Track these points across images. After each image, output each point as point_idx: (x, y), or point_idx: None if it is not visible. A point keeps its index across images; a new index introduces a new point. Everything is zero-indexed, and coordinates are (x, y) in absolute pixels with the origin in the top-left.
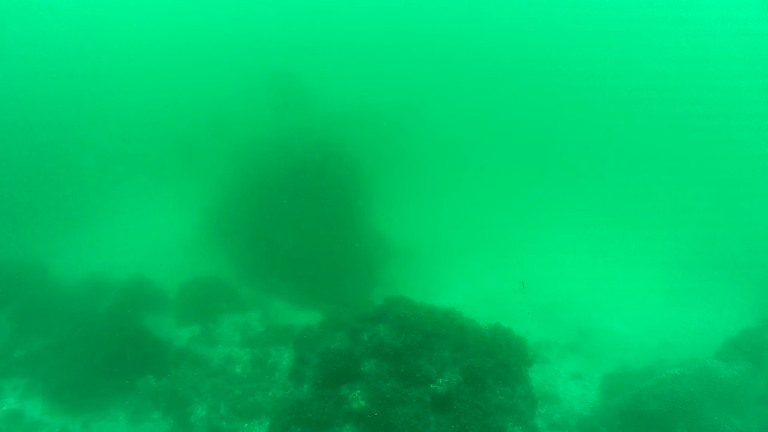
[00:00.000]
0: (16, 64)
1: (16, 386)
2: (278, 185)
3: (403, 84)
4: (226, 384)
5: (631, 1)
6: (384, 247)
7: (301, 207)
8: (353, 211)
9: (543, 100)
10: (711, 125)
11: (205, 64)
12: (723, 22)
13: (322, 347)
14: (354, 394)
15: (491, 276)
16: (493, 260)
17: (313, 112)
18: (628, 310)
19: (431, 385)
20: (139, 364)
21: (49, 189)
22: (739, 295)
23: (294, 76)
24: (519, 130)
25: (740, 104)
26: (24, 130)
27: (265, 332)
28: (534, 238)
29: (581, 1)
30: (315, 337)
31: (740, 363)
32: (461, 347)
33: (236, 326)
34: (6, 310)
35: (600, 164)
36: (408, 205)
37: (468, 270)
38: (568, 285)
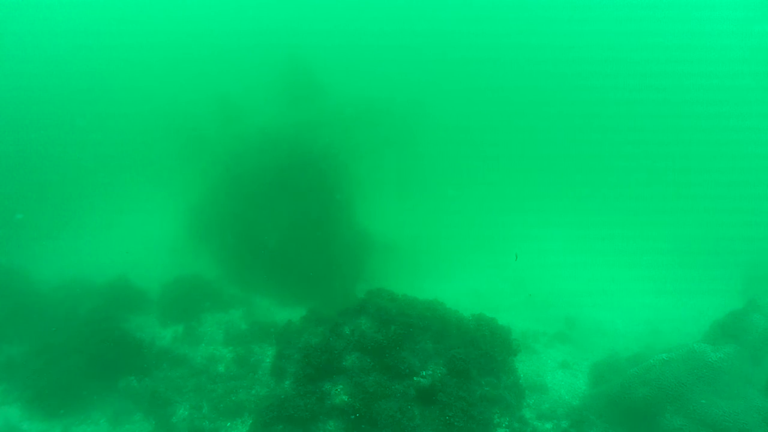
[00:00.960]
0: None
1: None
2: (262, 184)
3: (389, 80)
4: (208, 383)
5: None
6: (369, 242)
7: (286, 205)
8: (338, 208)
9: (535, 95)
10: (696, 113)
11: (187, 68)
12: (727, 20)
13: (302, 342)
14: (336, 389)
15: (479, 269)
16: (481, 254)
17: (296, 111)
18: (616, 299)
19: (415, 378)
20: (121, 366)
21: (30, 192)
22: (726, 281)
23: (281, 77)
24: (506, 125)
25: (730, 96)
26: (3, 133)
27: (249, 330)
28: (521, 231)
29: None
30: (296, 332)
31: (727, 345)
32: (444, 338)
33: (219, 325)
34: None
35: (586, 156)
36: (394, 201)
37: (455, 264)
38: (555, 275)
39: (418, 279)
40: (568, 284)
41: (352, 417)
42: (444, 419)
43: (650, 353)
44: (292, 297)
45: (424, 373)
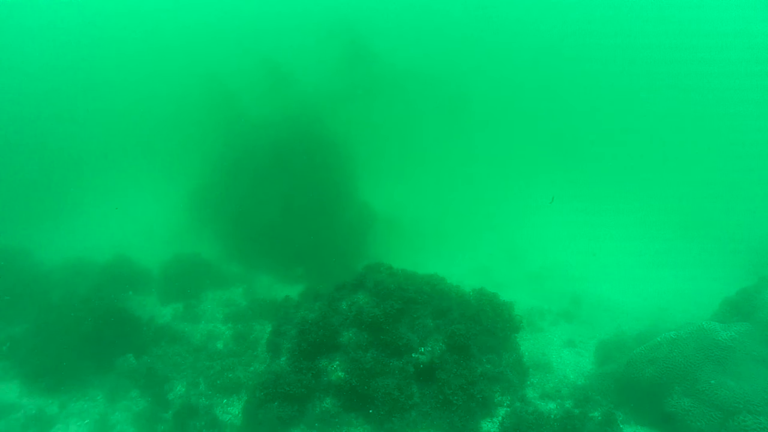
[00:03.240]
0: None
1: None
2: (263, 162)
3: (388, 59)
4: (207, 360)
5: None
6: (371, 217)
7: (287, 182)
8: (339, 185)
9: (535, 75)
10: (703, 98)
11: (189, 50)
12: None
13: (299, 318)
14: (333, 366)
15: (485, 245)
16: (487, 229)
17: (296, 91)
18: (623, 277)
19: (413, 355)
20: (119, 344)
21: (31, 174)
22: (734, 257)
23: (276, 58)
24: (510, 103)
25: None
26: (2, 119)
27: (249, 307)
28: (527, 209)
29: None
30: (293, 308)
31: (738, 324)
32: (444, 314)
33: (219, 302)
34: None
35: (592, 135)
36: (395, 177)
37: (460, 239)
38: (562, 253)
39: (422, 254)
40: (574, 262)
41: (348, 388)
42: (442, 397)
43: (657, 331)
44: (293, 273)
45: (422, 350)
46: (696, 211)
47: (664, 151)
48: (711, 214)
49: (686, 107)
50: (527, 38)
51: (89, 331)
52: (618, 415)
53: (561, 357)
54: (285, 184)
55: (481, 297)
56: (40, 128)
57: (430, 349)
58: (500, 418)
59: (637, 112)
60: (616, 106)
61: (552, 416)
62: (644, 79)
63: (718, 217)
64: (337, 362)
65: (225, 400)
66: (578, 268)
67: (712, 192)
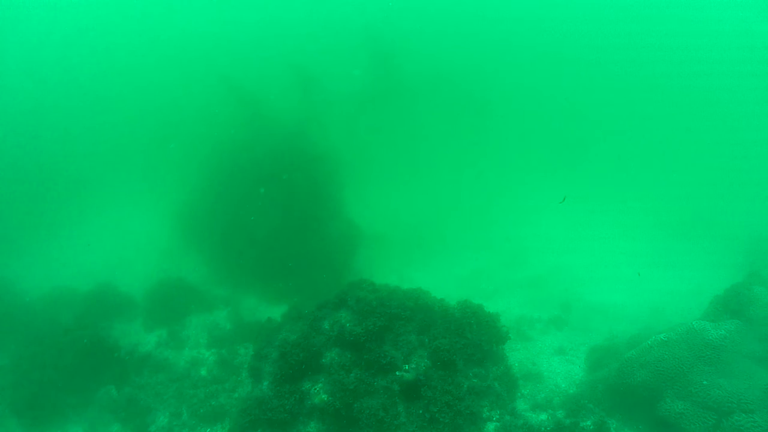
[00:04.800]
0: None
1: None
2: (246, 183)
3: (369, 71)
4: (190, 388)
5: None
6: (355, 235)
7: (271, 202)
8: (323, 203)
9: (517, 75)
10: (690, 86)
11: (171, 68)
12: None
13: (279, 340)
14: (316, 388)
15: (474, 256)
16: (475, 240)
17: (277, 109)
18: (613, 279)
19: (398, 373)
20: (101, 375)
21: (8, 203)
22: (726, 254)
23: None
24: (492, 106)
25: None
26: None
27: (233, 330)
28: (512, 215)
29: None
30: (274, 329)
31: (728, 322)
32: (428, 329)
33: (204, 326)
34: None
35: (577, 133)
36: (381, 192)
37: (449, 251)
38: (549, 259)
39: (410, 268)
40: (563, 267)
41: (332, 411)
42: (429, 415)
43: (649, 334)
44: (279, 294)
45: (407, 367)
46: (690, 211)
47: (656, 150)
48: (705, 213)
49: (680, 107)
50: (525, 39)
51: (70, 364)
52: (611, 422)
53: (552, 366)
54: (270, 203)
55: (465, 309)
56: (16, 154)
57: (414, 366)
58: None
59: (630, 112)
60: (612, 106)
61: (543, 428)
62: (640, 79)
63: (712, 216)
64: (321, 384)
65: (208, 430)
66: (569, 272)
67: (707, 192)
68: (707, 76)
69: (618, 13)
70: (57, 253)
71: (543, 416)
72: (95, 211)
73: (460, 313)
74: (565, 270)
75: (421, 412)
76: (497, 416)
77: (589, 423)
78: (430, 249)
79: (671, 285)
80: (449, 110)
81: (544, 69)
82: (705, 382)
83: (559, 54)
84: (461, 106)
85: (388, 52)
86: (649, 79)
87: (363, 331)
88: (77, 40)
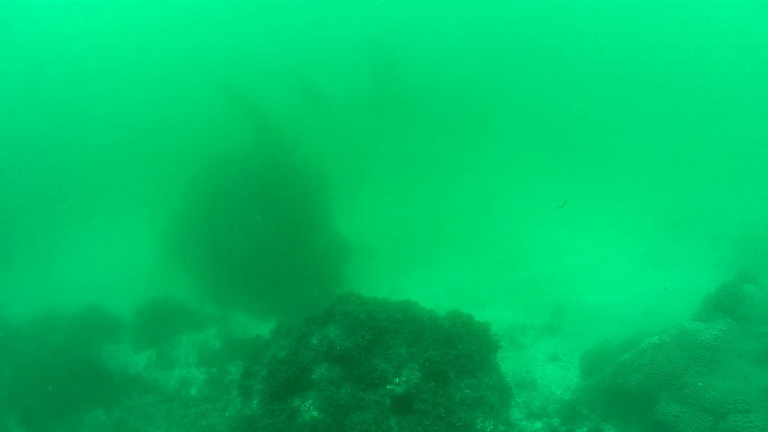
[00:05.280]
0: None
1: None
2: (234, 198)
3: (360, 81)
4: (181, 408)
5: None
6: (345, 247)
7: (260, 218)
8: (310, 217)
9: (515, 78)
10: (684, 87)
11: (154, 87)
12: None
13: (268, 357)
14: (306, 405)
15: (465, 265)
16: (466, 248)
17: (262, 123)
18: (606, 282)
19: (388, 386)
20: (89, 398)
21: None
22: (719, 254)
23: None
24: (484, 114)
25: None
26: None
27: (223, 348)
28: (501, 223)
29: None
30: (262, 346)
31: (721, 321)
32: (418, 340)
33: (193, 345)
34: None
35: (565, 134)
36: (369, 204)
37: (439, 261)
38: (541, 264)
39: (400, 280)
40: (554, 272)
41: (322, 428)
42: (421, 429)
43: (643, 336)
44: (269, 310)
45: (397, 380)
46: (683, 211)
47: (650, 151)
48: (699, 213)
49: (674, 107)
50: (523, 40)
51: (58, 388)
52: (607, 428)
53: (546, 373)
54: (258, 219)
55: (454, 319)
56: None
57: (405, 378)
58: None
59: (624, 113)
60: (607, 106)
61: None
62: (635, 79)
63: (706, 216)
64: (311, 401)
65: None
66: (560, 276)
67: (700, 192)
68: (703, 77)
69: (614, 13)
70: (44, 276)
71: (538, 425)
72: (82, 232)
73: (450, 324)
74: (557, 274)
75: (413, 425)
76: (491, 427)
77: (584, 430)
78: (421, 259)
79: (662, 285)
80: (441, 120)
81: (542, 71)
82: (700, 384)
83: (557, 55)
84: (452, 117)
85: (385, 62)
86: (644, 78)
87: (352, 345)
88: (62, 56)
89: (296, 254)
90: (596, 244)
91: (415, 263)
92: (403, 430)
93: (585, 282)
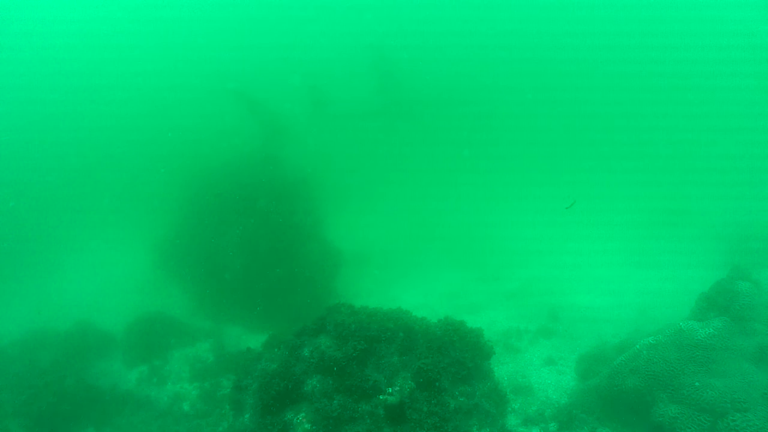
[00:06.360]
0: None
1: None
2: (225, 209)
3: (345, 92)
4: (173, 424)
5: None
6: (338, 256)
7: (252, 229)
8: (301, 227)
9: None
10: (679, 84)
11: (144, 100)
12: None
13: (259, 370)
14: (299, 418)
15: (457, 271)
16: (457, 255)
17: (252, 132)
18: (600, 283)
19: (381, 396)
20: (80, 418)
21: None
22: (712, 253)
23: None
24: (465, 117)
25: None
26: None
27: (216, 362)
28: (494, 227)
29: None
30: (253, 359)
31: (716, 319)
32: (411, 349)
33: (186, 360)
34: None
35: (553, 132)
36: (361, 212)
37: (432, 268)
38: (534, 268)
39: (393, 288)
40: (548, 275)
41: None
42: None
43: (639, 336)
44: (262, 322)
45: (390, 390)
46: (676, 209)
47: (641, 149)
48: (692, 212)
49: (667, 107)
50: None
51: (47, 408)
52: (604, 431)
53: (542, 377)
54: (250, 230)
55: (446, 327)
56: None
57: (398, 388)
58: None
59: (615, 112)
60: (602, 106)
61: None
62: (629, 79)
63: (699, 216)
64: (303, 413)
65: None
66: (554, 279)
67: (693, 191)
68: (697, 77)
69: (613, 14)
70: (33, 294)
71: (535, 430)
72: (71, 247)
73: (442, 331)
74: (551, 276)
75: None
76: None
77: None
78: (415, 266)
79: (658, 284)
80: (436, 126)
81: (542, 74)
82: (697, 384)
83: (556, 56)
84: (446, 124)
85: (387, 69)
86: (636, 77)
87: (343, 356)
88: (45, 73)
89: (287, 264)
90: (589, 244)
91: (409, 270)
92: None
93: (579, 283)
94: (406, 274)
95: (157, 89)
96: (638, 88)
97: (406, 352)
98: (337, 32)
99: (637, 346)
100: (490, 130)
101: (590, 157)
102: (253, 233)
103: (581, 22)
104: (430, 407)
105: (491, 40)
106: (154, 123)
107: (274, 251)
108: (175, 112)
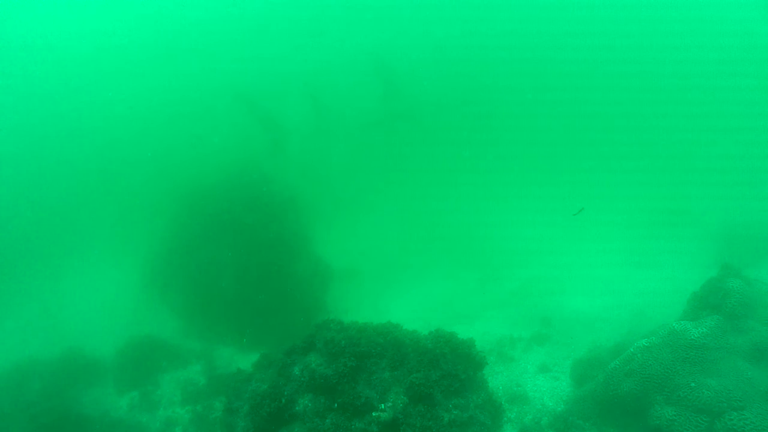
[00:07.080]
0: None
1: None
2: (213, 229)
3: (330, 106)
4: None
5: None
6: (328, 272)
7: (240, 248)
8: (290, 243)
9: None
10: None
11: (128, 118)
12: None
13: (250, 392)
14: None
15: (448, 281)
16: (448, 265)
17: (237, 151)
18: (593, 287)
19: (374, 413)
20: None
21: None
22: (705, 253)
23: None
24: (465, 118)
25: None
26: None
27: (208, 384)
28: (493, 227)
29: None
30: (244, 381)
31: (708, 318)
32: (402, 363)
33: (177, 384)
34: None
35: (552, 132)
36: (350, 227)
37: (422, 280)
38: (525, 274)
39: (384, 300)
40: (540, 280)
41: None
42: None
43: (633, 339)
44: (253, 342)
45: (383, 406)
46: (668, 210)
47: (634, 150)
48: (686, 212)
49: (660, 107)
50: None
51: None
52: None
53: (537, 385)
54: (239, 250)
55: (437, 339)
56: None
57: (391, 404)
58: None
59: (612, 112)
60: (595, 106)
61: None
62: (627, 78)
63: (693, 215)
64: None
65: None
66: (552, 279)
67: (686, 191)
68: (698, 77)
69: (612, 15)
70: (20, 322)
71: None
72: (57, 273)
73: (433, 344)
74: (549, 276)
75: None
76: None
77: None
78: (406, 277)
79: (651, 285)
80: (433, 127)
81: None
82: (693, 384)
83: (556, 56)
84: (444, 124)
85: (384, 78)
86: (637, 78)
87: (334, 374)
88: (30, 95)
89: (277, 282)
90: (582, 245)
91: (400, 281)
92: None
93: (577, 284)
94: (397, 285)
95: (147, 109)
96: (638, 88)
97: (397, 367)
98: (336, 38)
99: (631, 349)
100: (490, 130)
101: (590, 157)
102: (242, 251)
103: (581, 22)
104: (423, 422)
105: (491, 40)
106: (141, 146)
107: (264, 268)
108: (166, 130)
